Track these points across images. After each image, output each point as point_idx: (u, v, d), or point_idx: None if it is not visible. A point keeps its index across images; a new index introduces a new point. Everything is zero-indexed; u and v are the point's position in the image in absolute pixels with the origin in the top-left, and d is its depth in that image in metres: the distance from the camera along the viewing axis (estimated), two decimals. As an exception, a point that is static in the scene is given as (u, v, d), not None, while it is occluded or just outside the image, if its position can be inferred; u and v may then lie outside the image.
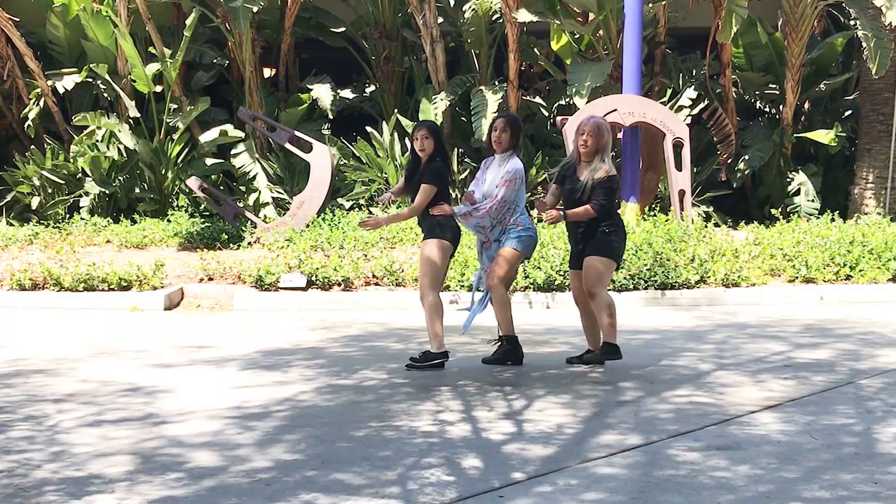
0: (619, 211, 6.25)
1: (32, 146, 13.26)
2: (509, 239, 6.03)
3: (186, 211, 12.54)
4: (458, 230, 6.14)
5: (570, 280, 6.35)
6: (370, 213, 12.00)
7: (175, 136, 12.97)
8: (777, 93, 13.98)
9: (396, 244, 10.37)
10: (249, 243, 10.90)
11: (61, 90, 13.55)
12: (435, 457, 4.31)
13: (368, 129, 13.12)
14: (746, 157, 13.30)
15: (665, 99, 13.52)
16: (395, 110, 13.54)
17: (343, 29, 14.87)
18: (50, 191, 12.81)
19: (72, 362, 6.59)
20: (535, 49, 14.24)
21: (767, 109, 14.44)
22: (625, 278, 9.16)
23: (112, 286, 9.35)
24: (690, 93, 13.57)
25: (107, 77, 13.24)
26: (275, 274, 9.36)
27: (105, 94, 13.80)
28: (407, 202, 6.38)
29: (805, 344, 7.10)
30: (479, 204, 6.02)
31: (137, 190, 12.98)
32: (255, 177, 13.19)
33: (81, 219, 12.22)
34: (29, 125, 13.44)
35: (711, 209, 12.87)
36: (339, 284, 9.40)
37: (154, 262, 9.65)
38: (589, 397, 5.46)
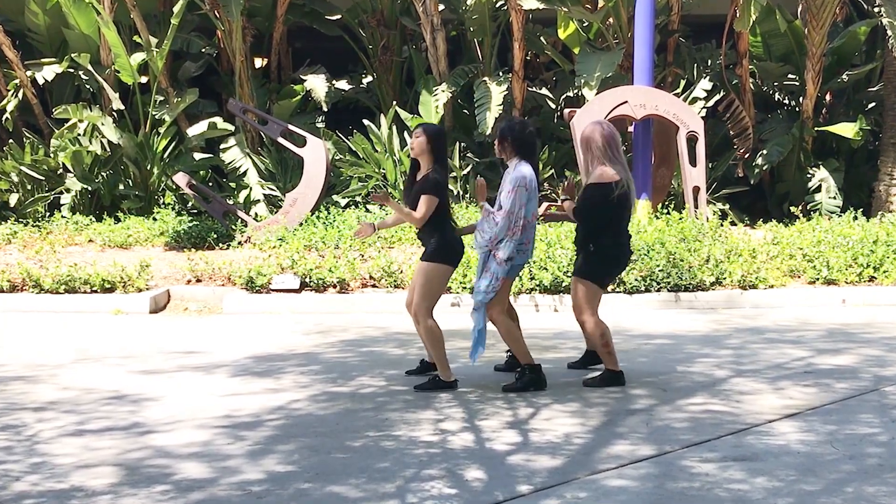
0: (625, 229, 6.01)
1: (11, 140, 13.26)
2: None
3: (173, 209, 12.54)
4: (461, 253, 5.96)
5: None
6: (367, 211, 12.01)
7: (161, 130, 12.97)
8: (797, 84, 13.98)
9: (395, 244, 10.37)
10: (240, 243, 10.90)
11: (41, 81, 13.56)
12: (436, 468, 4.32)
13: (365, 122, 13.12)
14: (764, 151, 13.30)
15: (678, 90, 13.52)
16: (394, 102, 13.55)
17: (338, 16, 14.88)
18: (29, 187, 12.81)
19: (52, 368, 6.60)
20: (542, 38, 14.26)
21: (787, 101, 14.44)
22: (636, 280, 9.17)
23: (95, 288, 9.35)
24: (705, 84, 13.57)
25: (89, 67, 13.25)
26: (266, 275, 9.37)
27: (87, 86, 13.81)
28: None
29: (826, 349, 7.10)
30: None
31: (121, 186, 12.99)
32: (245, 172, 13.20)
33: (62, 217, 12.22)
34: (7, 118, 13.45)
35: (727, 207, 12.87)
36: (335, 286, 9.40)
37: (139, 262, 9.65)
38: (598, 405, 5.46)
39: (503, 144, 5.88)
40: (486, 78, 13.19)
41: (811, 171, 13.35)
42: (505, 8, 13.39)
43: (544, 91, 14.72)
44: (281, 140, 11.78)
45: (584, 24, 13.59)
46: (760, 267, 9.60)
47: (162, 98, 13.45)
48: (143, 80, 13.56)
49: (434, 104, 13.07)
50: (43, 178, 12.84)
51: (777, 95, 14.49)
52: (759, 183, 13.77)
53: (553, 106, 14.50)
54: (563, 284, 9.14)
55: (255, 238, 10.81)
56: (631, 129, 12.00)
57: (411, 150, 5.94)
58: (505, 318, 5.80)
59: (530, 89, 14.20)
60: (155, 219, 11.79)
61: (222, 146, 13.51)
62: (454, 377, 5.90)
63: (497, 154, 6.02)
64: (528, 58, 14.30)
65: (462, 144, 13.48)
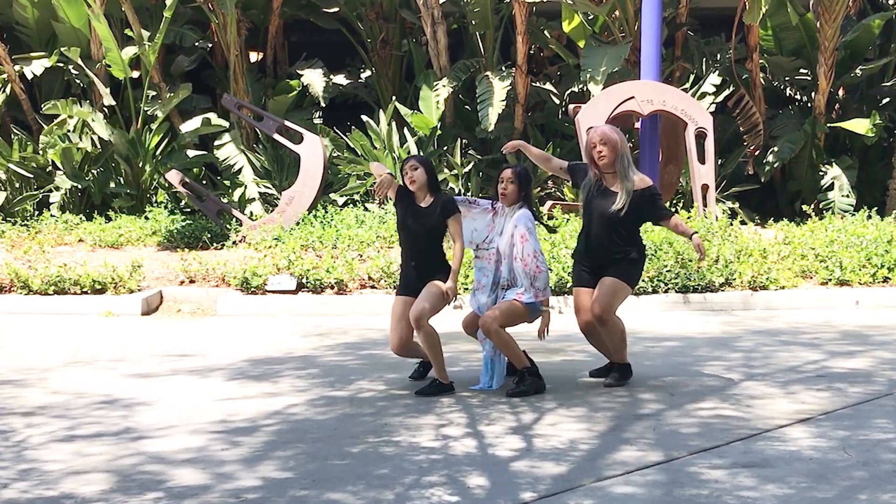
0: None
1: (-2, 137, 13.29)
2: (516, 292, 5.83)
3: (166, 207, 12.55)
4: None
5: (577, 302, 6.10)
6: (366, 209, 12.01)
7: (153, 126, 12.99)
8: (809, 79, 13.99)
9: (394, 244, 10.38)
10: (234, 242, 10.91)
11: (30, 76, 13.58)
12: (437, 475, 4.32)
13: (364, 118, 13.13)
14: (775, 148, 13.30)
15: (687, 85, 13.53)
16: (393, 98, 13.55)
17: (336, 9, 14.89)
18: (17, 185, 12.83)
19: (42, 372, 6.60)
20: (546, 31, 14.26)
21: (798, 97, 14.44)
22: (644, 280, 9.17)
23: (85, 289, 9.36)
24: (714, 79, 13.58)
25: (79, 62, 13.26)
26: (262, 276, 9.38)
27: (77, 81, 13.82)
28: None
29: (840, 352, 7.10)
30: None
31: (112, 184, 13.00)
32: (240, 170, 13.21)
33: (51, 216, 12.24)
34: (-6, 114, 13.48)
35: (737, 205, 12.88)
36: (332, 287, 9.41)
37: (131, 262, 9.66)
38: (605, 410, 5.46)
39: (513, 185, 5.88)
40: (488, 73, 13.19)
41: (823, 169, 13.35)
42: (508, 0, 13.39)
43: (548, 86, 14.73)
44: (277, 137, 11.79)
45: (590, 17, 13.59)
46: (771, 267, 9.60)
47: (154, 93, 13.46)
48: (135, 74, 13.56)
49: (434, 100, 13.07)
50: (31, 176, 12.86)
51: (788, 90, 14.49)
52: (770, 181, 13.77)
53: (557, 101, 14.50)
54: (569, 285, 9.13)
55: (251, 238, 10.82)
56: (638, 125, 12.00)
57: (411, 184, 5.98)
58: (498, 329, 5.79)
59: (534, 84, 14.20)
60: (147, 218, 11.80)
61: (216, 143, 13.52)
62: (450, 380, 5.94)
63: (499, 195, 5.94)
64: (532, 52, 14.32)
65: (464, 141, 13.49)
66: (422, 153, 12.79)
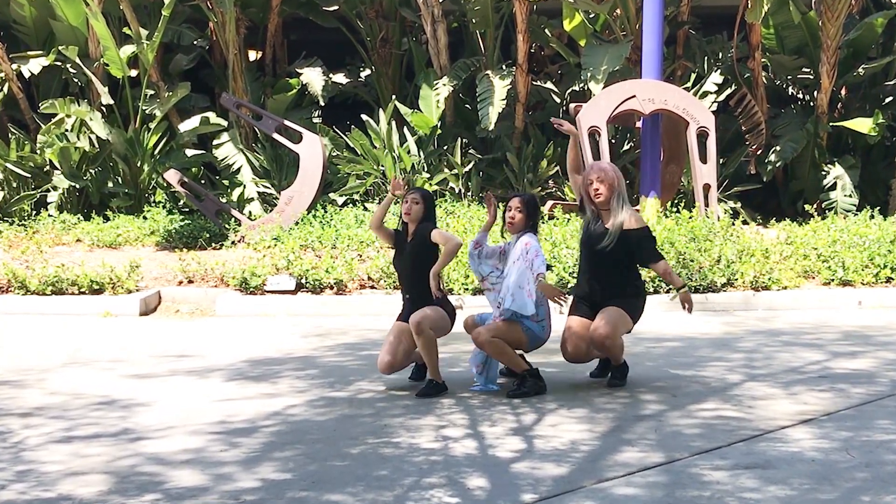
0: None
1: (-5, 136, 13.30)
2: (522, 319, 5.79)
3: (164, 207, 12.56)
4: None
5: (570, 331, 6.07)
6: (365, 209, 12.01)
7: (152, 125, 12.99)
8: (811, 77, 13.99)
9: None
10: (233, 242, 10.92)
11: (27, 75, 13.58)
12: (437, 476, 4.32)
13: (363, 117, 13.13)
14: (777, 148, 13.30)
15: (688, 84, 13.53)
16: (393, 97, 13.56)
17: (335, 7, 14.89)
18: (15, 185, 12.83)
19: (39, 373, 6.61)
20: (546, 30, 14.26)
21: (801, 96, 14.45)
22: (644, 280, 9.15)
23: (83, 289, 9.36)
24: (716, 77, 13.58)
25: (77, 60, 13.26)
26: (261, 276, 9.38)
27: (75, 80, 13.83)
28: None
29: (842, 353, 7.10)
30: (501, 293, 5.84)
31: (110, 184, 13.01)
32: (239, 169, 13.21)
33: (49, 215, 12.24)
34: (-8, 113, 13.48)
35: (739, 205, 12.88)
36: (332, 287, 9.41)
37: (129, 262, 9.67)
38: (606, 411, 5.47)
39: (521, 214, 5.85)
40: (488, 71, 13.20)
41: (826, 168, 13.35)
42: (508, -1, 13.40)
43: (549, 85, 14.72)
44: (276, 136, 11.79)
45: (591, 16, 13.60)
46: (773, 267, 9.60)
47: (152, 92, 13.45)
48: (133, 73, 13.57)
49: (435, 99, 13.08)
50: (29, 176, 12.86)
51: (791, 89, 14.49)
52: (772, 180, 13.77)
53: (558, 100, 14.50)
54: (570, 285, 9.13)
55: (249, 237, 10.82)
56: (639, 124, 12.00)
57: (406, 216, 6.00)
58: (490, 338, 5.77)
59: (534, 83, 14.20)
60: (145, 217, 11.80)
61: (215, 142, 13.52)
62: (442, 380, 5.97)
63: (507, 223, 5.90)
64: (533, 50, 14.31)
65: (464, 140, 13.49)
66: (422, 152, 12.80)
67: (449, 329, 6.08)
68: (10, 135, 13.33)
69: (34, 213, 12.63)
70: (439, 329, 5.94)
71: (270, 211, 12.06)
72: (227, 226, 11.32)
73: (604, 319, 5.88)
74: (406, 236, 6.09)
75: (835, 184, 13.18)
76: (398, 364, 5.99)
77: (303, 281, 9.40)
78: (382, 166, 12.52)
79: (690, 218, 10.79)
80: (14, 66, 13.46)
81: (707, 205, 11.40)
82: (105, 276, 9.44)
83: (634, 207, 11.56)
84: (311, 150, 11.55)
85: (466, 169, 12.91)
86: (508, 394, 5.82)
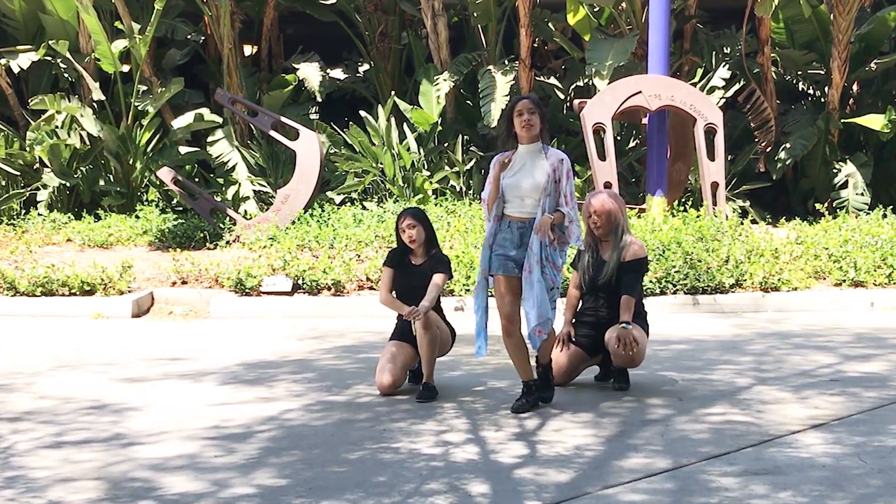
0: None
1: (-16, 133, 13.30)
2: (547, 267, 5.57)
3: (157, 206, 12.56)
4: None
5: (562, 356, 6.03)
6: (364, 208, 12.01)
7: (144, 122, 12.99)
8: (822, 73, 13.99)
9: (393, 244, 10.37)
10: (228, 242, 10.92)
11: (16, 70, 13.57)
12: (438, 482, 4.32)
13: (362, 113, 13.14)
14: (787, 145, 13.31)
15: (696, 80, 13.53)
16: (392, 92, 13.57)
17: (333, 1, 14.89)
18: (3, 183, 12.83)
19: (29, 376, 6.60)
20: (550, 24, 14.27)
21: (811, 91, 14.45)
22: (651, 282, 9.16)
23: (73, 290, 9.36)
24: (724, 73, 13.59)
25: (67, 55, 13.26)
26: (256, 277, 9.38)
27: (66, 75, 13.83)
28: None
29: (854, 356, 7.10)
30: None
31: (102, 182, 13.01)
32: (234, 167, 13.22)
33: (39, 214, 12.24)
34: (-20, 109, 13.49)
35: (748, 204, 12.88)
36: (329, 288, 9.41)
37: (121, 263, 9.66)
38: (611, 416, 5.46)
39: (535, 116, 5.44)
40: (490, 66, 13.20)
41: (837, 166, 13.35)
42: (510, -8, 13.41)
43: (553, 80, 14.74)
44: (272, 133, 11.80)
45: (595, 10, 13.59)
46: (783, 268, 9.60)
47: (145, 88, 13.46)
48: (125, 68, 13.56)
49: (435, 94, 13.09)
50: (18, 174, 12.86)
51: (801, 85, 14.50)
52: (782, 178, 13.78)
53: (562, 96, 14.52)
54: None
55: (245, 237, 10.82)
56: (645, 121, 12.01)
57: (411, 243, 6.00)
58: (518, 331, 5.69)
59: (538, 79, 14.22)
60: (137, 217, 11.80)
61: (209, 139, 13.53)
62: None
63: (522, 128, 5.41)
64: (536, 45, 14.33)
65: (465, 137, 13.49)
66: (422, 150, 12.80)
67: (449, 347, 6.15)
68: (-2, 132, 13.34)
69: (23, 212, 12.63)
70: (443, 343, 6.02)
71: (266, 210, 12.07)
72: (221, 225, 11.32)
73: (636, 342, 5.85)
74: (408, 257, 6.07)
75: (846, 182, 13.18)
76: (399, 382, 6.00)
77: (299, 282, 9.40)
78: (381, 164, 12.53)
79: (698, 217, 10.78)
80: (3, 61, 13.47)
81: (715, 203, 11.41)
82: (96, 276, 9.44)
83: (640, 206, 11.67)
84: (308, 147, 11.55)
85: (468, 167, 12.91)
86: (513, 409, 5.59)
